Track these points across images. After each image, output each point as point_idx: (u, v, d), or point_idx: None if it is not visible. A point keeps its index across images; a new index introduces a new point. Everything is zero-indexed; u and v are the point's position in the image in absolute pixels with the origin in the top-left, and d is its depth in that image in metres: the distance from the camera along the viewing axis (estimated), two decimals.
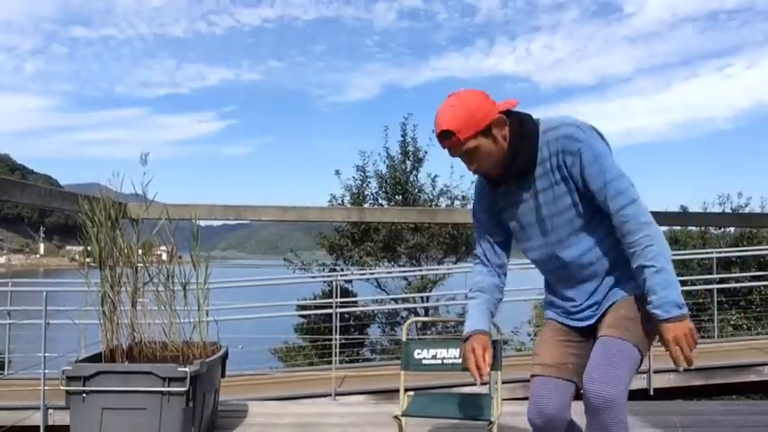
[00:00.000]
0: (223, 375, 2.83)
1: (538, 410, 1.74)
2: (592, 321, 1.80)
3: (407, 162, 12.30)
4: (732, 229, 11.65)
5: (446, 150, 1.73)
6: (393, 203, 12.06)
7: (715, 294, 8.55)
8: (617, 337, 1.66)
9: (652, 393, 5.71)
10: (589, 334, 1.82)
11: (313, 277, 11.10)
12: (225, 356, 2.81)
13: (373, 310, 10.91)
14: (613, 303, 1.75)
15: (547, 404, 1.72)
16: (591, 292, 1.79)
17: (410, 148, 12.29)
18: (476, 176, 1.88)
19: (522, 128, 1.71)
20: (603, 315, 1.77)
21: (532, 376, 1.81)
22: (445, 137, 1.68)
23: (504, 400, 2.50)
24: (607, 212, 1.68)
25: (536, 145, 1.71)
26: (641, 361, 1.71)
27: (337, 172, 12.40)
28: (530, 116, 1.75)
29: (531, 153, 1.71)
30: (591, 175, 1.65)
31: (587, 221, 1.73)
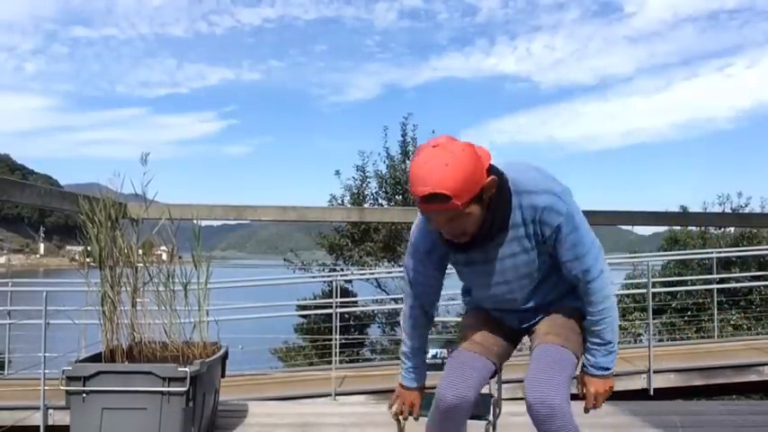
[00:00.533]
0: (223, 375, 2.83)
1: (442, 393, 1.70)
2: (525, 325, 1.84)
3: (407, 162, 12.30)
4: (732, 229, 11.65)
5: (429, 215, 1.50)
6: (393, 203, 12.06)
7: (715, 294, 8.54)
8: (558, 344, 1.69)
9: (652, 393, 5.71)
10: (518, 331, 1.86)
11: (313, 277, 11.10)
12: (225, 356, 2.81)
13: (373, 310, 10.91)
14: (551, 310, 1.79)
15: (457, 387, 1.69)
16: (533, 313, 1.82)
17: (410, 148, 12.29)
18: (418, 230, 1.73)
19: (501, 190, 1.56)
20: (540, 319, 1.81)
21: (452, 353, 1.80)
22: (437, 200, 1.43)
23: (504, 399, 2.50)
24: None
25: (510, 207, 1.58)
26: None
27: (337, 172, 12.41)
28: (502, 173, 1.58)
29: (506, 217, 1.58)
30: (565, 246, 1.62)
31: (549, 273, 1.74)
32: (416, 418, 1.92)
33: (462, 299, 2.03)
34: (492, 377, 1.85)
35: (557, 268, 1.71)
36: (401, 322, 1.91)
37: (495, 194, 1.55)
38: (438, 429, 1.76)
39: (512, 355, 1.95)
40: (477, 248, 1.63)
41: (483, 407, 2.25)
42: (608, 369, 1.72)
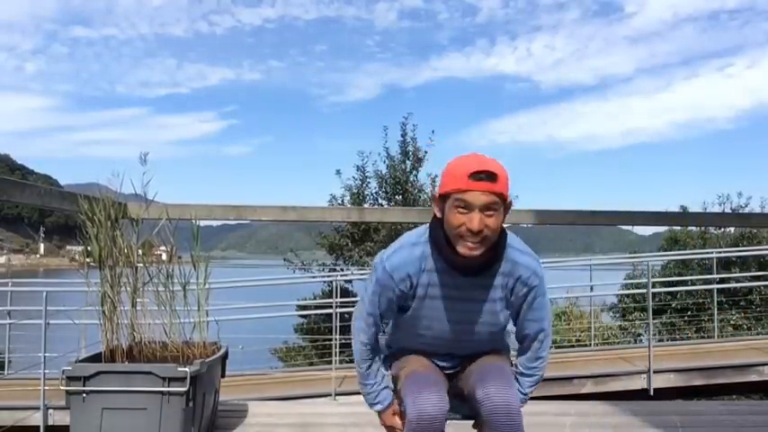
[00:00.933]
0: (223, 375, 2.83)
1: (421, 408, 1.64)
2: (456, 365, 1.90)
3: (407, 162, 12.30)
4: (732, 229, 11.65)
5: (470, 196, 1.56)
6: (393, 203, 12.06)
7: (715, 294, 8.55)
8: (500, 361, 1.84)
9: (652, 393, 5.71)
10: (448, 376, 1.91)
11: (313, 277, 11.10)
12: (225, 356, 2.81)
13: None
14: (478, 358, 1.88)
15: (433, 401, 1.66)
16: (462, 361, 1.90)
17: (410, 148, 12.30)
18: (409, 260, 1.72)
19: (502, 232, 1.67)
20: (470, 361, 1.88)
21: (409, 376, 1.76)
22: (490, 178, 1.55)
23: None
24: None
25: (504, 249, 1.69)
26: None
27: (338, 172, 12.41)
28: None
29: (501, 256, 1.68)
30: (533, 307, 1.75)
31: (501, 330, 1.85)
32: None
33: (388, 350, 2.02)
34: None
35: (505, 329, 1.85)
36: (354, 346, 1.86)
37: (501, 231, 1.67)
38: None
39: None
40: (462, 275, 1.68)
41: None
42: (526, 395, 1.86)
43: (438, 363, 1.90)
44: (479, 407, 1.66)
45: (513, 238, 1.72)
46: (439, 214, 1.68)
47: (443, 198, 1.64)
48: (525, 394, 1.85)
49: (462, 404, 1.84)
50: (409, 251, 1.71)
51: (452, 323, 1.77)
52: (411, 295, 1.74)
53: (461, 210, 1.58)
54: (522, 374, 1.85)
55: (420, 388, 1.68)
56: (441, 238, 1.66)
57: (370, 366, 1.84)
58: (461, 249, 1.60)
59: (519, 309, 1.76)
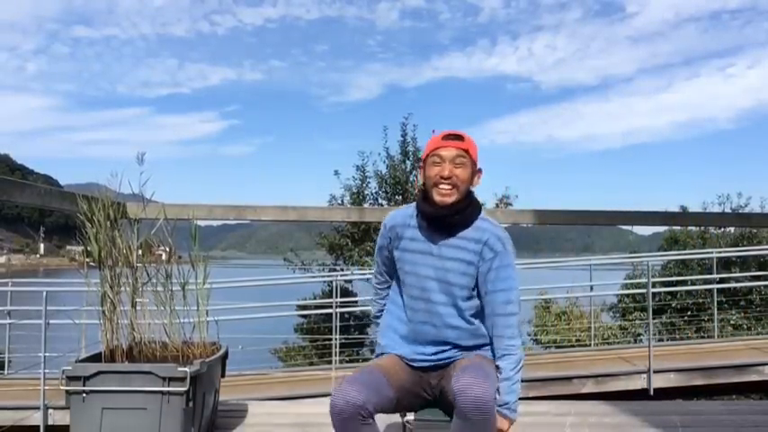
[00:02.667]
0: (223, 375, 2.83)
1: (333, 398, 1.82)
2: (430, 363, 1.99)
3: (407, 162, 12.30)
4: (732, 229, 11.65)
5: (442, 151, 1.94)
6: (393, 204, 12.06)
7: (715, 294, 8.55)
8: (479, 360, 1.93)
9: (652, 393, 5.72)
10: (427, 378, 2.00)
11: (313, 277, 11.10)
12: (225, 356, 2.81)
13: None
14: (461, 358, 1.99)
15: (346, 393, 1.79)
16: (444, 346, 1.99)
17: (410, 148, 12.30)
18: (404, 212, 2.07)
19: (476, 200, 2.03)
20: (448, 369, 1.97)
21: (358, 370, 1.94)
22: (456, 138, 1.95)
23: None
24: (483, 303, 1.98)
25: (478, 214, 2.00)
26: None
27: (336, 172, 12.40)
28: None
29: (472, 219, 1.98)
30: (497, 276, 1.94)
31: (468, 297, 1.98)
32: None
33: (377, 347, 2.17)
34: (391, 410, 1.96)
35: (474, 300, 1.98)
36: (373, 296, 2.27)
37: (473, 198, 2.02)
38: None
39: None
40: (439, 233, 1.97)
41: None
42: (514, 410, 1.90)
43: (417, 352, 2.00)
44: (455, 399, 1.75)
45: (487, 216, 2.03)
46: (422, 180, 2.02)
47: (425, 162, 1.99)
48: (509, 379, 1.89)
49: (441, 403, 1.95)
50: (402, 210, 2.11)
51: (426, 279, 1.98)
52: (396, 246, 2.05)
53: (436, 163, 1.94)
54: (500, 358, 1.93)
55: (347, 381, 1.85)
56: (421, 199, 2.00)
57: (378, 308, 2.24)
58: (436, 197, 1.94)
59: (485, 275, 1.95)
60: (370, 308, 2.24)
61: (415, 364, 2.01)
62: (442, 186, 1.92)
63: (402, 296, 2.08)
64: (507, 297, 1.94)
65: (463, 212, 1.96)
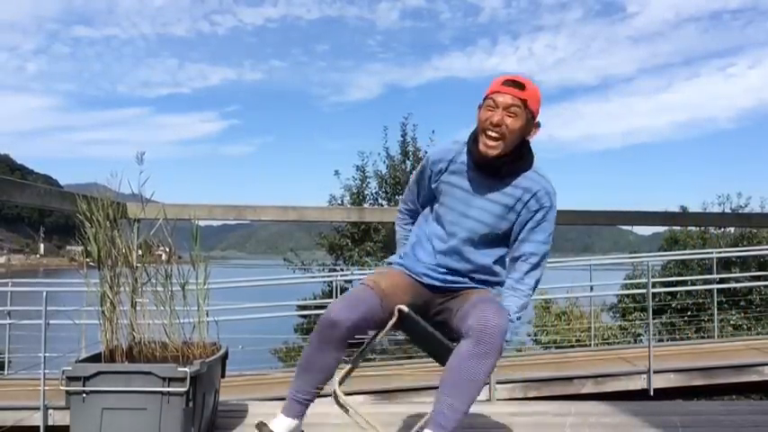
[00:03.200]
0: (223, 376, 2.83)
1: (327, 311, 1.93)
2: (440, 282, 1.99)
3: (407, 162, 12.31)
4: (732, 229, 11.65)
5: (498, 96, 1.86)
6: (393, 203, 12.06)
7: (715, 294, 8.55)
8: (490, 296, 1.95)
9: (652, 393, 5.71)
10: (434, 294, 2.00)
11: (313, 277, 11.10)
12: (225, 356, 2.81)
13: None
14: (470, 289, 1.99)
15: (339, 308, 1.91)
16: (460, 276, 2.00)
17: (410, 148, 12.31)
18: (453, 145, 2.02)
19: (531, 151, 1.97)
20: (455, 296, 1.98)
21: (360, 283, 2.02)
22: (517, 86, 1.86)
23: (503, 400, 2.50)
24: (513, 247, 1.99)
25: (529, 166, 1.96)
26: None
27: (336, 172, 12.42)
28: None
29: (522, 168, 1.94)
30: (534, 227, 1.95)
31: (498, 241, 2.00)
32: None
33: (387, 260, 2.19)
34: (391, 321, 1.95)
35: (504, 244, 2.00)
36: (397, 218, 2.26)
37: (527, 148, 1.95)
38: (314, 352, 1.96)
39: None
40: (485, 175, 1.93)
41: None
42: (513, 321, 1.92)
43: (431, 271, 2.00)
44: (472, 324, 1.78)
45: (540, 166, 1.97)
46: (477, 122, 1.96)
47: (483, 103, 1.92)
48: (512, 320, 1.91)
49: (438, 324, 1.96)
50: (449, 145, 2.04)
51: (461, 216, 1.97)
52: (437, 178, 2.02)
53: (490, 107, 1.88)
54: (507, 298, 1.95)
55: (342, 297, 1.98)
56: (471, 139, 1.95)
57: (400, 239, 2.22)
58: (481, 146, 1.89)
59: (524, 224, 1.95)
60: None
61: (424, 280, 2.00)
62: (489, 133, 1.87)
63: (430, 225, 2.06)
64: (537, 248, 1.95)
65: (509, 165, 1.92)
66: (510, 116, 1.85)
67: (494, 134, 1.86)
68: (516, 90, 1.86)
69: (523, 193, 1.93)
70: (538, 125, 1.94)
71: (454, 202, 1.99)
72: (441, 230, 2.01)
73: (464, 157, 1.98)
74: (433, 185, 2.05)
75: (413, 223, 2.19)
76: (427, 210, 2.13)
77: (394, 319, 1.94)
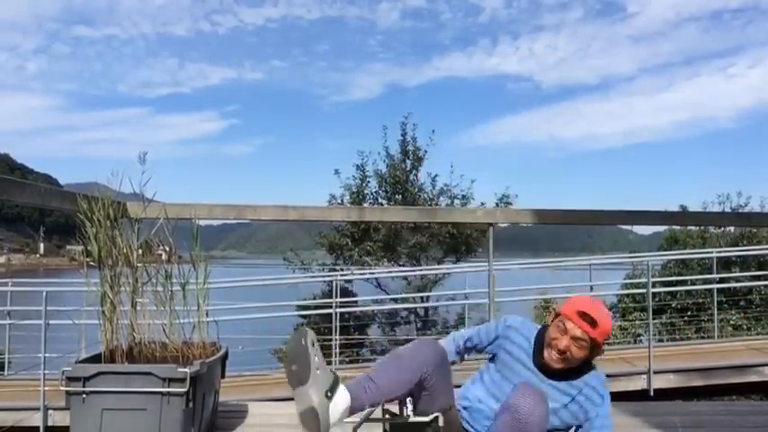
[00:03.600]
0: (223, 376, 2.82)
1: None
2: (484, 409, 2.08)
3: (407, 161, 12.30)
4: (732, 228, 11.65)
5: (570, 323, 1.98)
6: (393, 203, 12.06)
7: (715, 294, 8.54)
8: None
9: (652, 394, 5.72)
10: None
11: (313, 277, 11.10)
12: (225, 357, 2.81)
13: (373, 310, 10.90)
14: None
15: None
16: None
17: (410, 147, 12.30)
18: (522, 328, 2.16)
19: (590, 363, 2.08)
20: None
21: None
22: (590, 322, 1.96)
23: None
24: None
25: (584, 374, 2.06)
26: None
27: (336, 171, 12.40)
28: None
29: (579, 375, 2.06)
30: (595, 427, 2.03)
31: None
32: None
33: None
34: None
35: None
36: (451, 336, 2.34)
37: (587, 363, 2.07)
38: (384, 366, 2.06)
39: None
40: (544, 374, 2.05)
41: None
42: None
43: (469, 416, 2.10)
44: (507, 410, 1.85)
45: (596, 372, 2.09)
46: (549, 322, 2.08)
47: (557, 315, 2.06)
48: None
49: None
50: (529, 324, 2.19)
51: (505, 393, 2.02)
52: (504, 344, 2.13)
53: (560, 329, 2.00)
54: None
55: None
56: (541, 332, 2.10)
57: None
58: (546, 355, 2.02)
59: (583, 422, 2.06)
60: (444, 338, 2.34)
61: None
62: (553, 353, 2.00)
63: (487, 375, 2.16)
64: None
65: (569, 372, 2.04)
66: (576, 346, 1.98)
67: (558, 356, 2.00)
68: (588, 326, 1.96)
69: (579, 392, 2.05)
70: (602, 351, 2.05)
71: (512, 374, 2.09)
72: (491, 387, 2.12)
73: (532, 342, 2.11)
74: (499, 347, 2.16)
75: (463, 349, 2.29)
76: (488, 362, 2.23)
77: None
